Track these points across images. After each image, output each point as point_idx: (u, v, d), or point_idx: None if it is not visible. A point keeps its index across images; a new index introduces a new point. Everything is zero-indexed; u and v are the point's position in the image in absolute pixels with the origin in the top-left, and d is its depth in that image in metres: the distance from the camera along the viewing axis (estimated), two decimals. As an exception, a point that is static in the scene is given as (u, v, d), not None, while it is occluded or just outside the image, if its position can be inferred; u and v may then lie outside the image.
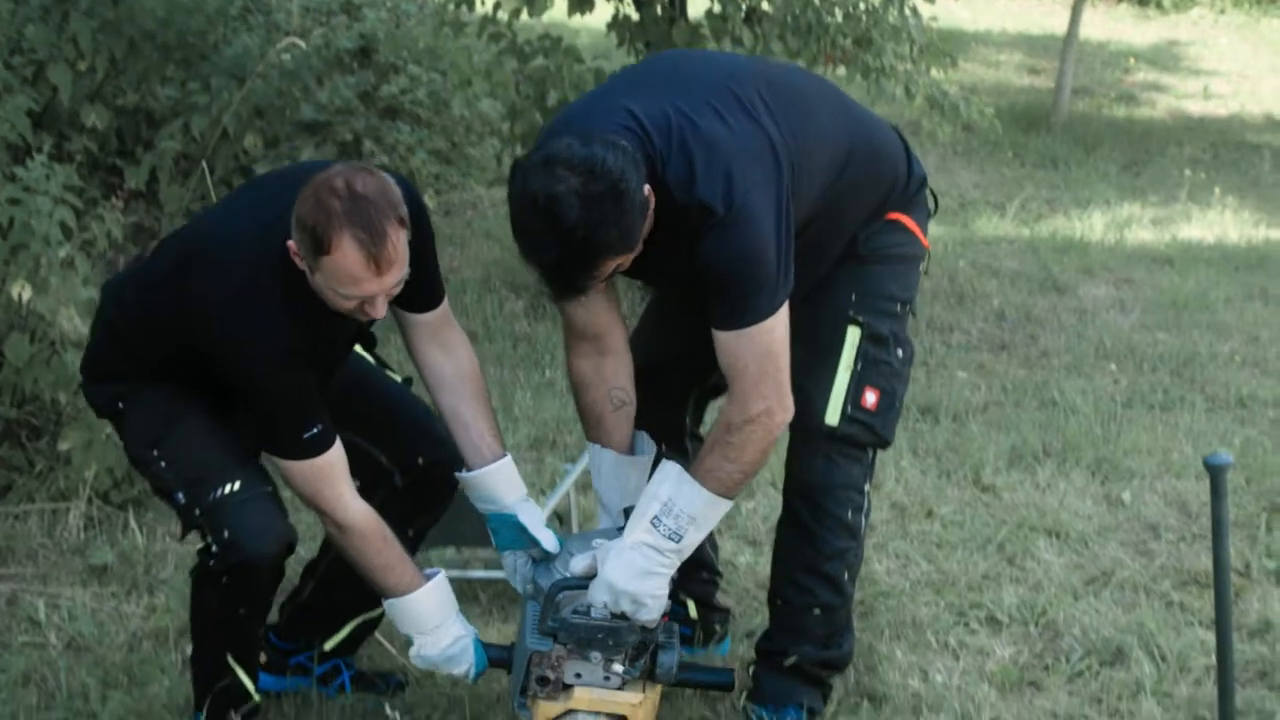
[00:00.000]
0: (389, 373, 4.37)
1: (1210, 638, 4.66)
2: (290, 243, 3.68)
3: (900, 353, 4.22)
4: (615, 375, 4.15)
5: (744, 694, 4.33)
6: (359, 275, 3.63)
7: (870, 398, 4.13)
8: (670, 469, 3.97)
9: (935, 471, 6.45)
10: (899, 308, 4.25)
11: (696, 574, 4.34)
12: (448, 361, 4.11)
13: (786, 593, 4.23)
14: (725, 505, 3.97)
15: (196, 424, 3.97)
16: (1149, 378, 8.08)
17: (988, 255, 10.58)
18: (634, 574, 3.90)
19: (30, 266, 5.76)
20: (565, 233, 3.65)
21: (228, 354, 3.77)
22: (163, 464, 3.96)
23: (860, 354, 4.13)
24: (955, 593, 5.21)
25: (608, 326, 4.12)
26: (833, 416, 4.11)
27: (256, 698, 4.11)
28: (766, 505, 5.69)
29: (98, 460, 5.76)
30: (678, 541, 3.92)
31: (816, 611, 4.19)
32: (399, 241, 3.66)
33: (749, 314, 3.87)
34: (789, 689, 4.25)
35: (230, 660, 4.03)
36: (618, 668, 3.98)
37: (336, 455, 3.86)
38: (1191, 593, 5.20)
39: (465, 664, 4.05)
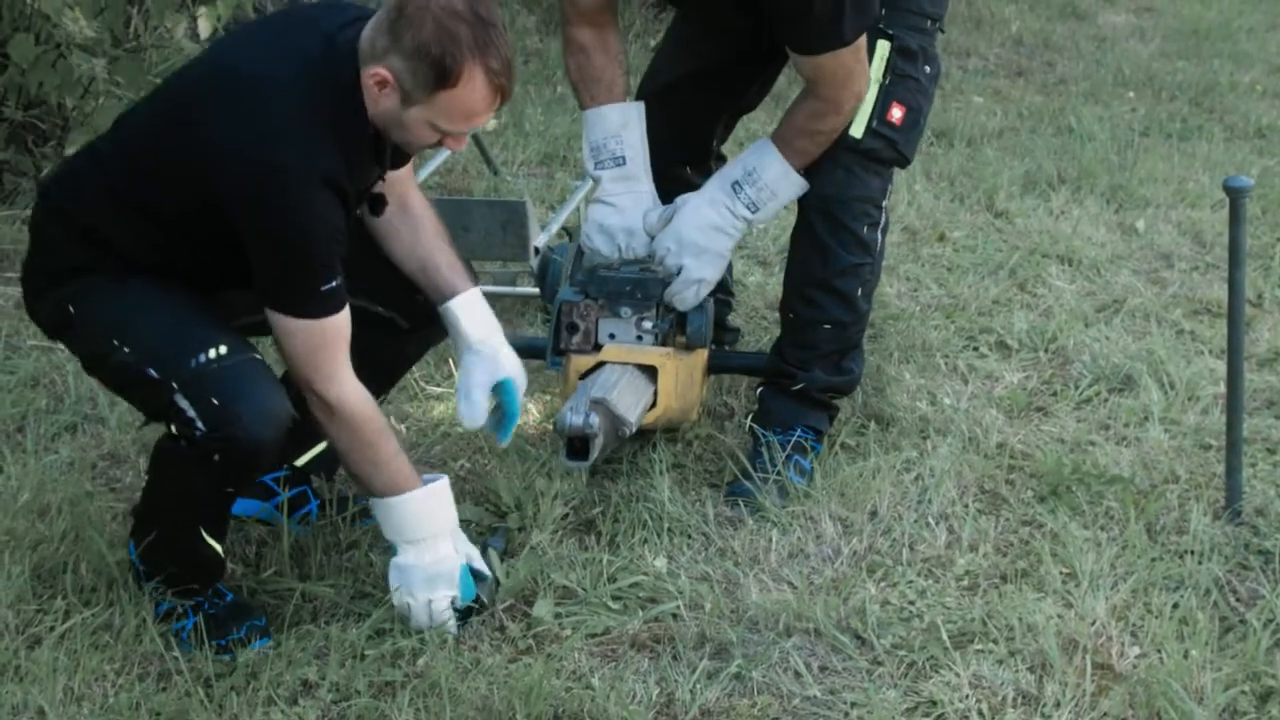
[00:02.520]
0: None
1: (1220, 366, 4.66)
2: (377, 70, 3.21)
3: (928, 69, 4.14)
4: (617, 43, 4.16)
5: (749, 415, 4.33)
6: (479, 110, 3.27)
7: (897, 113, 4.06)
8: (762, 142, 4.11)
9: (949, 195, 6.40)
10: (929, 24, 4.16)
11: (711, 293, 4.32)
12: (405, 221, 3.64)
13: (797, 307, 4.20)
14: (800, 186, 4.10)
15: (166, 300, 3.37)
16: (1167, 106, 8.00)
17: (1007, -21, 10.40)
18: (704, 225, 4.08)
19: (33, -34, 5.59)
20: None
21: (251, 184, 3.19)
22: (125, 350, 3.33)
23: (889, 67, 4.05)
24: (965, 317, 5.19)
25: (610, 11, 4.14)
26: (857, 129, 4.04)
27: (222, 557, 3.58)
28: (776, 227, 5.65)
29: (104, 167, 5.69)
30: (753, 212, 4.10)
31: (827, 327, 4.17)
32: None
33: (819, 42, 3.89)
34: (795, 412, 4.24)
35: (204, 534, 3.46)
36: (648, 324, 4.09)
37: (345, 319, 3.33)
38: (1203, 322, 5.19)
39: (447, 590, 3.48)
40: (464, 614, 3.52)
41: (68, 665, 3.33)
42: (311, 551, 3.76)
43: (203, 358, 3.26)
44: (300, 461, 3.88)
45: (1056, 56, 9.01)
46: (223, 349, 3.28)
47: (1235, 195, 3.76)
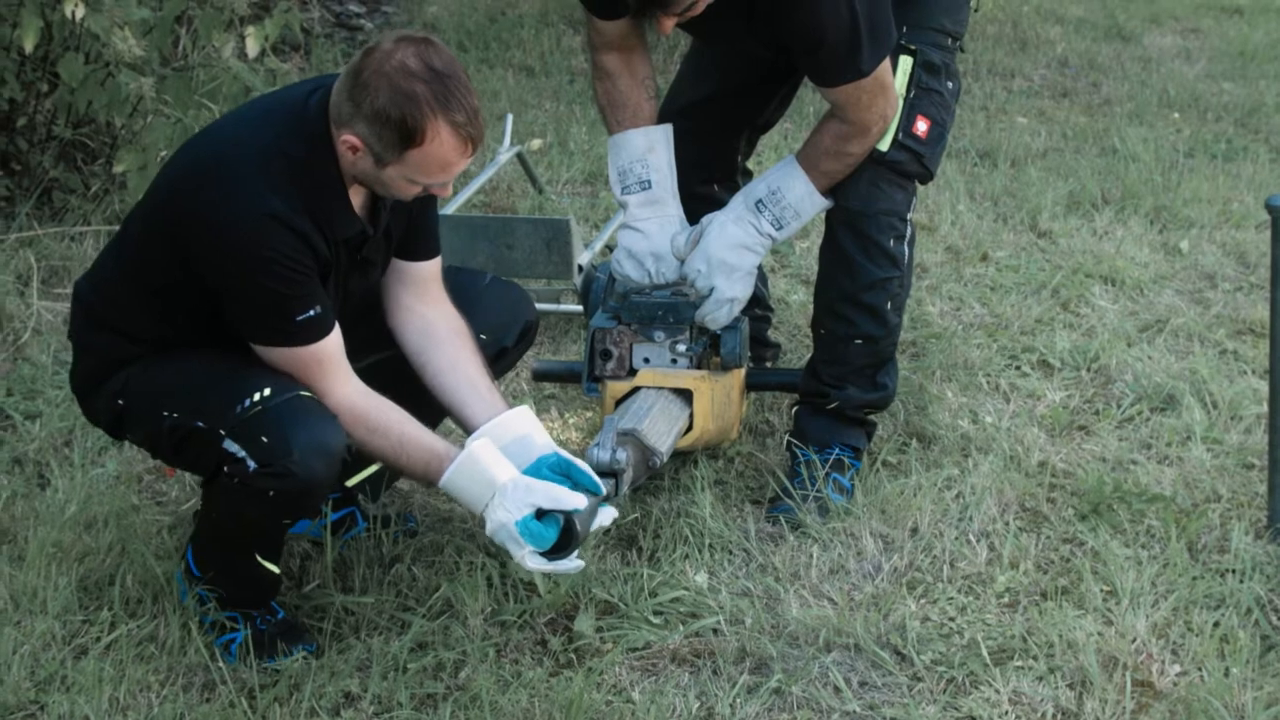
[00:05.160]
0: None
1: (1263, 387, 4.65)
2: (346, 136, 3.26)
3: (950, 85, 4.17)
4: (645, 68, 4.19)
5: (787, 433, 4.34)
6: (452, 161, 3.28)
7: (922, 126, 4.08)
8: (788, 160, 4.12)
9: (992, 215, 6.40)
10: (949, 41, 4.19)
11: (749, 309, 4.32)
12: (440, 317, 3.65)
13: (828, 323, 4.21)
14: (823, 205, 4.12)
15: (203, 363, 3.43)
16: (1212, 127, 7.97)
17: (1052, 1, 10.39)
18: (732, 244, 4.08)
19: (83, -15, 5.64)
20: None
21: (207, 231, 3.28)
22: (175, 415, 3.37)
23: (913, 80, 4.07)
24: (1008, 336, 5.19)
25: (637, 37, 4.15)
26: (884, 142, 4.06)
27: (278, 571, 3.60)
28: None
29: (152, 184, 5.75)
30: (777, 229, 4.10)
31: (858, 342, 4.17)
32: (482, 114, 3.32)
33: (838, 75, 3.93)
34: (832, 430, 4.24)
35: (259, 559, 3.50)
36: (681, 347, 4.11)
37: (329, 344, 3.38)
38: (1246, 342, 5.18)
39: (517, 550, 3.36)
40: (564, 541, 3.35)
41: (113, 675, 3.37)
42: (354, 565, 3.80)
43: (248, 402, 3.29)
44: (350, 483, 3.89)
45: (1102, 77, 8.99)
46: (267, 390, 3.30)
47: (1277, 214, 3.76)
